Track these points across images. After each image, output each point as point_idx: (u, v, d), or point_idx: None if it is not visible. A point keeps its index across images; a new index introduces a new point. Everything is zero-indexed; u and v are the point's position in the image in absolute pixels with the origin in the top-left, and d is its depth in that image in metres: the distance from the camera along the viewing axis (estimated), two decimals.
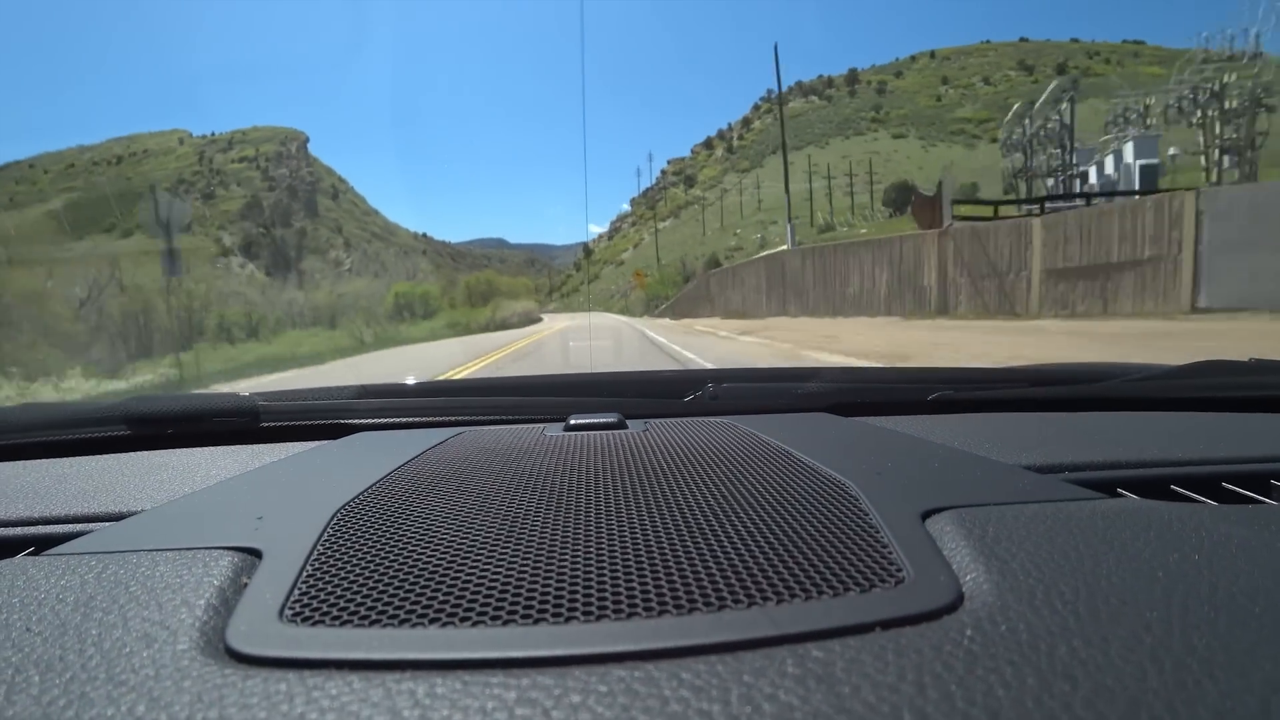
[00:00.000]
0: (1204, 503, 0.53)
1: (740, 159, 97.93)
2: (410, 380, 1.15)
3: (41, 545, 0.51)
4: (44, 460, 0.81)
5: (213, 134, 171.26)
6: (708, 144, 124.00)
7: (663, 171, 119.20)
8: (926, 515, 0.40)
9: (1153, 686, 0.23)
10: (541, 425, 0.80)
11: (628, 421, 0.78)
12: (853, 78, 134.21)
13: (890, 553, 0.35)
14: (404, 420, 0.90)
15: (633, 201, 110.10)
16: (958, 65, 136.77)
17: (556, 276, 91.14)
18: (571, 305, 66.64)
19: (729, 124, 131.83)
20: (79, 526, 0.55)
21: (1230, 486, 0.57)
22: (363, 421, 0.89)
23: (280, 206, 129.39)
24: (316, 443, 0.81)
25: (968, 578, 0.32)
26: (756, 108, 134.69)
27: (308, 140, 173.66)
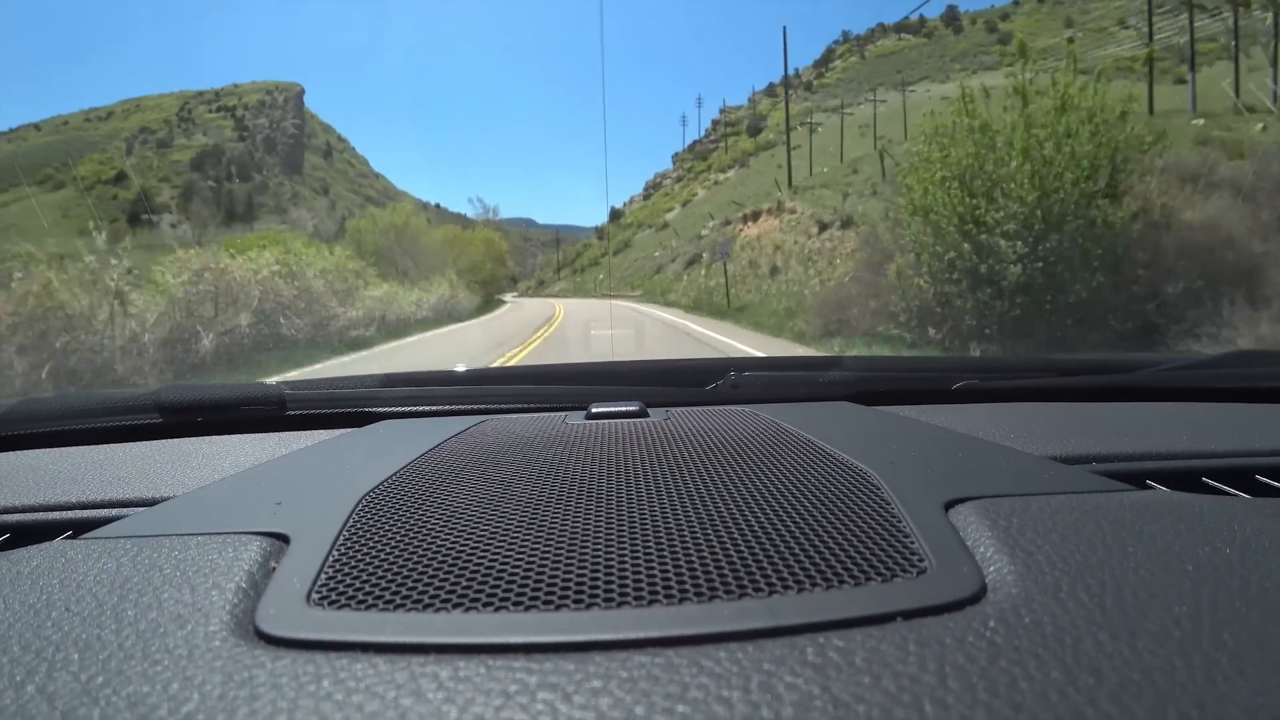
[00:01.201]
0: (1237, 495, 0.51)
1: (827, 98, 73.90)
2: (434, 369, 1.15)
3: (79, 529, 0.52)
4: (80, 447, 0.82)
5: (206, 89, 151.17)
6: (770, 91, 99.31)
7: (714, 122, 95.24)
8: (949, 505, 0.39)
9: (1181, 681, 0.22)
10: (563, 413, 0.79)
11: (649, 410, 0.77)
12: (952, 15, 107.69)
13: (912, 543, 0.34)
14: (427, 409, 0.89)
15: (676, 157, 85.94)
16: (1077, 9, 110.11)
17: (570, 249, 67.49)
18: (585, 286, 41.81)
19: (796, 70, 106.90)
20: (114, 511, 0.56)
21: (1264, 479, 0.56)
22: (387, 410, 0.89)
23: (243, 158, 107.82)
24: (342, 430, 0.81)
25: (991, 569, 0.31)
26: (831, 50, 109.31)
27: (303, 92, 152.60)
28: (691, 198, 55.39)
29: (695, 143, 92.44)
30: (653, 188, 77.85)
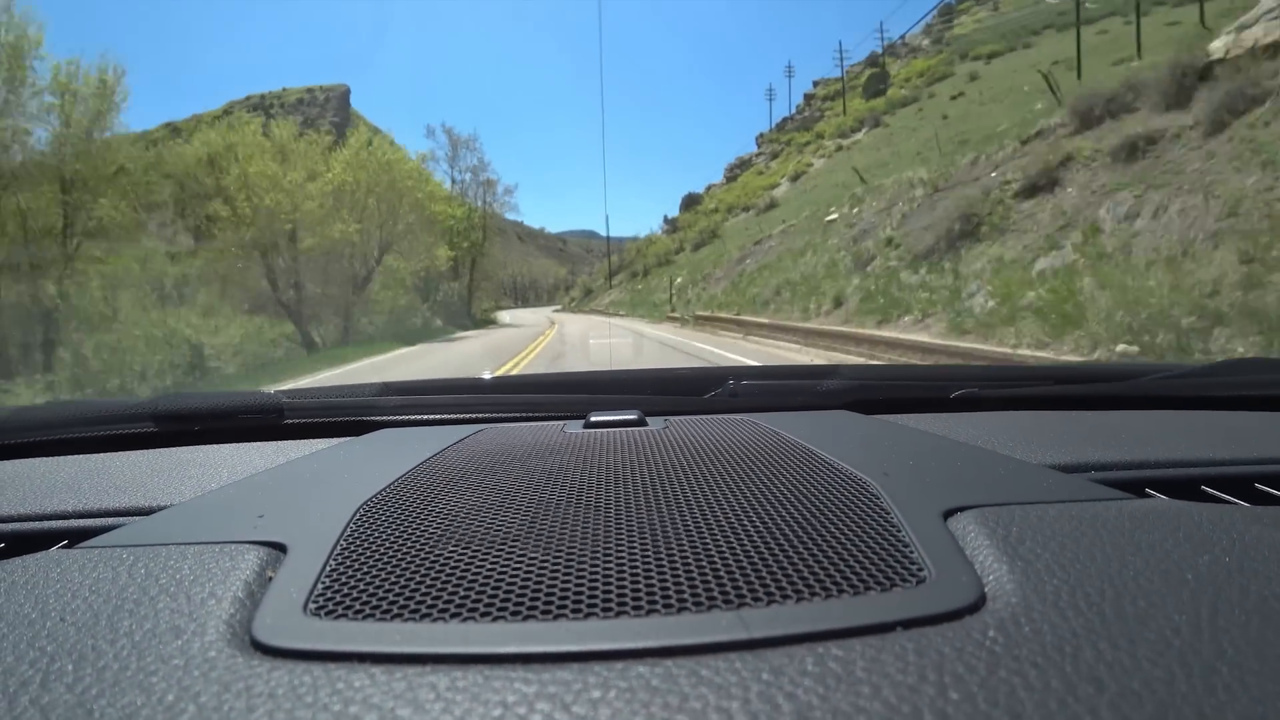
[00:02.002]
0: (1236, 504, 0.51)
1: (977, 45, 55.91)
2: (432, 378, 1.14)
3: (75, 538, 0.51)
4: (76, 456, 0.82)
5: (253, 93, 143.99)
6: (872, 61, 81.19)
7: (807, 96, 77.78)
8: (948, 514, 0.39)
9: (1181, 691, 0.22)
10: (561, 422, 0.79)
11: (648, 419, 0.77)
12: None
13: (911, 552, 0.34)
14: (426, 417, 0.89)
15: (760, 138, 69.09)
16: None
17: (630, 250, 51.42)
18: (651, 295, 24.75)
19: (901, 37, 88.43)
20: (110, 520, 0.56)
21: (1264, 487, 0.55)
22: (385, 418, 0.89)
23: None
24: (339, 439, 0.81)
25: (990, 578, 0.31)
26: (949, 7, 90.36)
27: (348, 92, 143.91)
28: (805, 169, 38.31)
29: (785, 119, 75.35)
30: (738, 168, 61.08)
